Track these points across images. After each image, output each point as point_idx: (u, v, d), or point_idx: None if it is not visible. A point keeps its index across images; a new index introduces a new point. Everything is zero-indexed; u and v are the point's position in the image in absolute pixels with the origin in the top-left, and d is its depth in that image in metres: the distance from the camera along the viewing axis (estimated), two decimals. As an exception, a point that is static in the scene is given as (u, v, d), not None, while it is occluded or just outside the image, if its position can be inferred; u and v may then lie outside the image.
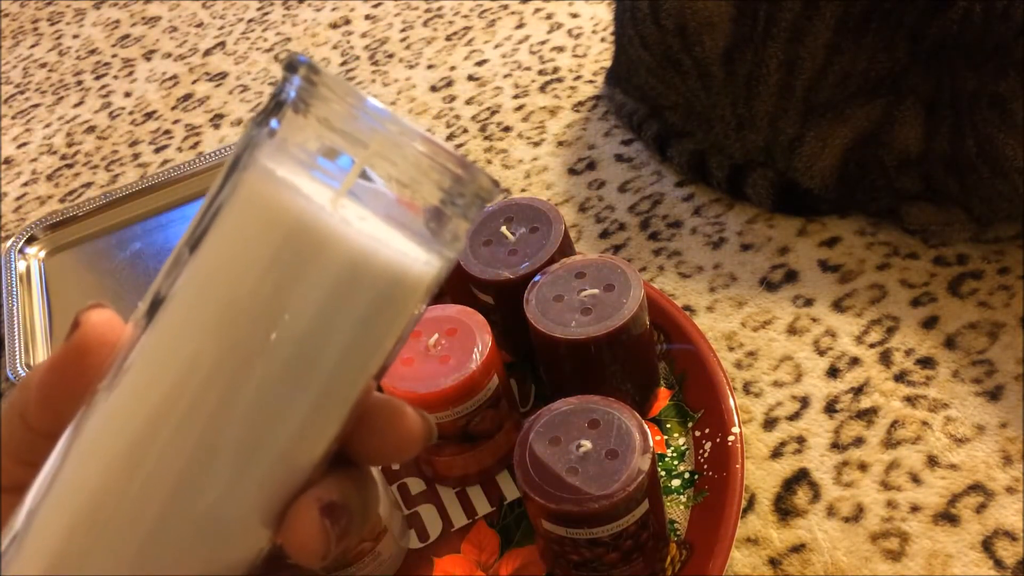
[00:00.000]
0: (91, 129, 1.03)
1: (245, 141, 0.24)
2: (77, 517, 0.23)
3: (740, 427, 0.52)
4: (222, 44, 1.13)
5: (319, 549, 0.23)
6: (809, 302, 0.63)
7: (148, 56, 1.15)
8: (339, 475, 0.25)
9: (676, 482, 0.53)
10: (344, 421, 0.25)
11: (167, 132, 0.99)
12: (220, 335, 0.23)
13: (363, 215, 0.23)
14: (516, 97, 0.89)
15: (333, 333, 0.23)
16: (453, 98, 0.92)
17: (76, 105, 1.08)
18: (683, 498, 0.52)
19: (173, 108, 1.03)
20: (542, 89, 0.89)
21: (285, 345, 0.23)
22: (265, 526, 0.24)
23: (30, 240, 0.85)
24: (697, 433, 0.55)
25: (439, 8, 1.07)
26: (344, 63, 1.02)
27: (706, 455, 0.53)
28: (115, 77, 1.12)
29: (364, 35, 1.06)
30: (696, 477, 0.53)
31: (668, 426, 0.56)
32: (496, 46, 0.97)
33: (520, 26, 0.99)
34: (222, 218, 0.23)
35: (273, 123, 0.23)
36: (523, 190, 0.79)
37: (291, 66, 0.23)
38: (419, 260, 0.24)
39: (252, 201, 0.23)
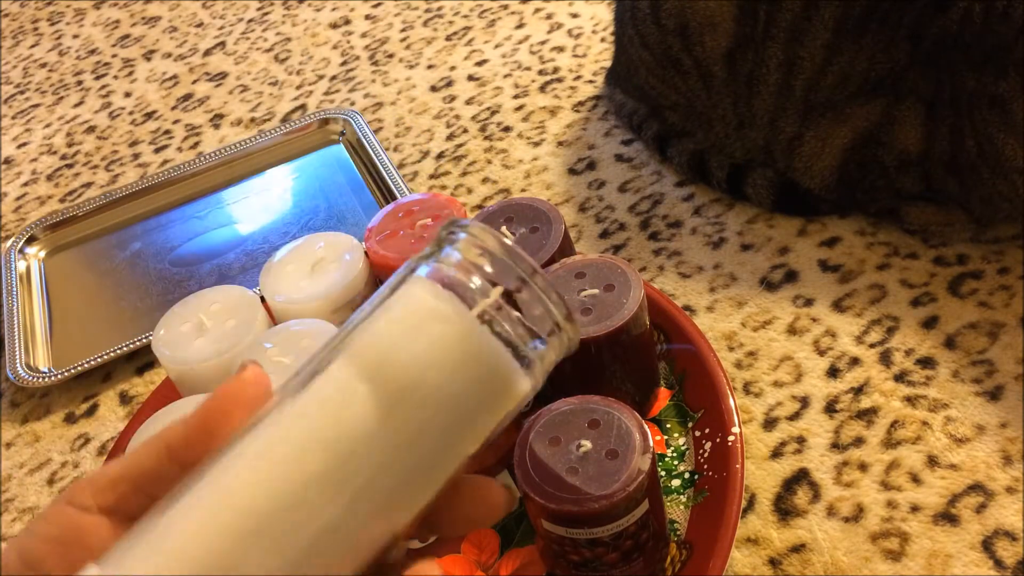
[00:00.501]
0: (91, 129, 1.03)
1: (410, 268, 0.30)
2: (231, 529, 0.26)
3: (740, 427, 0.52)
4: (222, 44, 1.13)
5: None
6: (809, 302, 0.63)
7: (148, 56, 1.15)
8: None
9: (676, 482, 0.53)
10: (441, 488, 0.29)
11: (167, 132, 0.99)
12: (382, 422, 0.28)
13: (502, 333, 0.29)
14: (516, 97, 0.89)
15: (470, 417, 0.29)
16: (453, 98, 0.92)
17: (76, 105, 1.08)
18: (683, 498, 0.52)
19: (173, 108, 1.03)
20: (542, 89, 0.89)
21: (434, 435, 0.28)
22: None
23: (30, 240, 0.85)
24: (697, 433, 0.55)
25: (439, 8, 1.07)
26: (344, 63, 1.02)
27: (706, 455, 0.53)
28: (115, 77, 1.12)
29: (364, 35, 1.06)
30: (696, 477, 0.53)
31: (668, 426, 0.56)
32: (496, 46, 0.97)
33: (520, 26, 0.99)
34: (412, 318, 0.29)
35: (433, 261, 0.30)
36: (523, 190, 0.79)
37: (451, 227, 0.30)
38: (526, 379, 0.30)
39: (420, 305, 0.29)
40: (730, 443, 0.52)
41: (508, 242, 0.29)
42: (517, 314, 0.29)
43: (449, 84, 0.94)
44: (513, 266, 0.29)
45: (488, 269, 0.29)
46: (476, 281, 0.29)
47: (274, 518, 0.26)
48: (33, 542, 0.29)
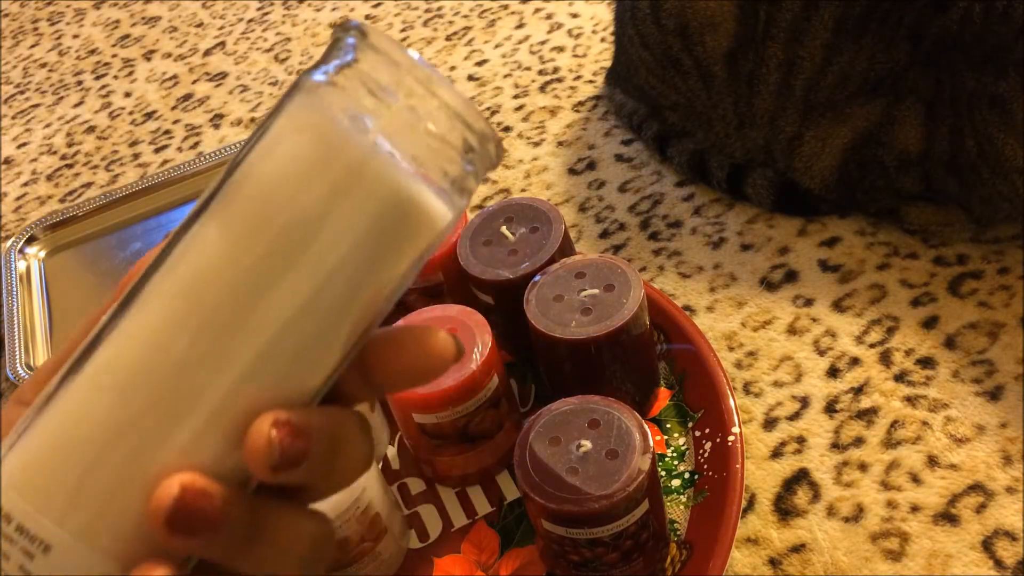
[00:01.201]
0: (91, 129, 1.03)
1: (298, 81, 0.26)
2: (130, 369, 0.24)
3: (740, 427, 0.52)
4: (222, 44, 1.13)
5: (261, 458, 0.24)
6: (809, 302, 0.63)
7: (148, 56, 1.15)
8: (320, 409, 0.26)
9: (676, 482, 0.53)
10: (350, 342, 0.26)
11: (167, 132, 0.99)
12: (263, 235, 0.24)
13: (399, 153, 0.25)
14: (516, 97, 0.89)
15: (358, 248, 0.25)
16: (453, 98, 0.92)
17: (76, 105, 1.08)
18: (683, 498, 0.52)
19: (173, 108, 1.03)
20: (542, 89, 0.89)
21: (319, 251, 0.24)
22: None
23: (30, 240, 0.85)
24: (697, 433, 0.55)
25: (439, 8, 1.07)
26: (344, 63, 1.02)
27: (706, 455, 0.53)
28: (115, 77, 1.12)
29: (364, 35, 1.06)
30: (696, 477, 0.53)
31: (668, 426, 0.56)
32: (496, 46, 0.97)
33: (520, 26, 0.99)
34: (272, 136, 0.25)
35: (324, 69, 0.26)
36: (523, 190, 0.79)
37: (343, 28, 0.26)
38: (439, 203, 0.26)
39: (305, 122, 0.25)
40: (730, 443, 0.52)
41: (406, 51, 0.26)
42: (426, 126, 0.25)
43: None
44: (409, 70, 0.25)
45: (380, 78, 0.25)
46: (368, 95, 0.25)
47: (144, 380, 0.24)
48: None
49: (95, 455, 0.24)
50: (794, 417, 0.56)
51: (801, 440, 0.55)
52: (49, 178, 0.97)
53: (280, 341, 0.25)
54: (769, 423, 0.56)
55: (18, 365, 0.72)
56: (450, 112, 0.26)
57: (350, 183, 0.24)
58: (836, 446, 0.54)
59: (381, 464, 0.58)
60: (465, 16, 1.04)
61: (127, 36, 1.20)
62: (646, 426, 0.46)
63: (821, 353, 0.59)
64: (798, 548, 0.50)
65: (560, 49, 0.94)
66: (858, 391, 0.57)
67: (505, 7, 1.03)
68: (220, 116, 0.99)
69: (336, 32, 0.26)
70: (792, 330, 0.61)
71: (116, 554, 0.24)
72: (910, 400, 0.56)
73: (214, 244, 0.25)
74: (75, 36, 1.24)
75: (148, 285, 0.25)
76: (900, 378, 0.57)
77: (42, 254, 0.85)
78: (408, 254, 0.26)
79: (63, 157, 1.00)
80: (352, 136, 0.25)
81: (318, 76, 0.25)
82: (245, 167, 0.25)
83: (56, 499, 0.24)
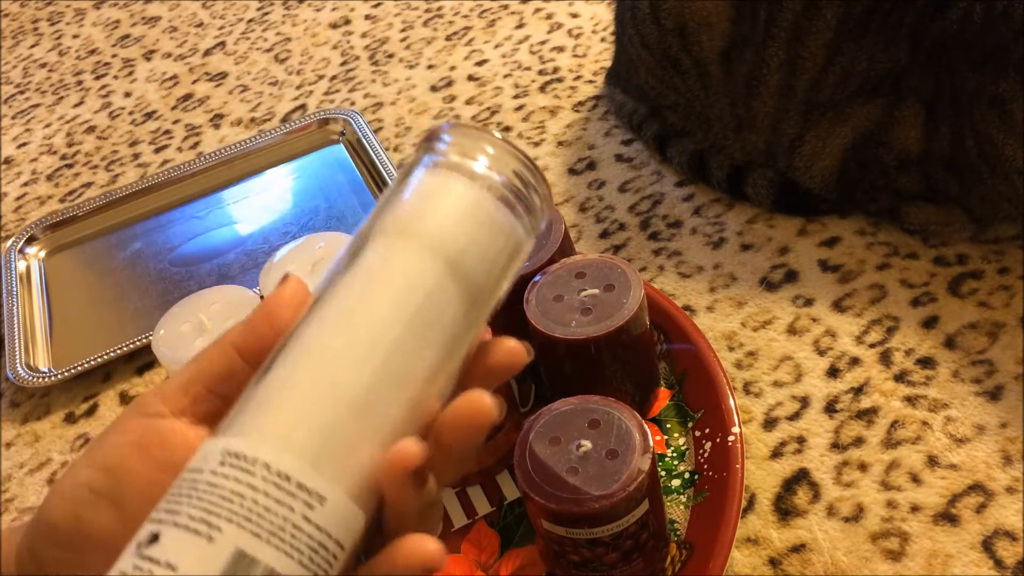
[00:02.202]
0: (91, 129, 1.03)
1: (408, 168, 0.34)
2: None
3: (740, 427, 0.52)
4: (222, 44, 1.13)
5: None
6: (809, 302, 0.63)
7: (148, 56, 1.15)
8: None
9: (676, 482, 0.53)
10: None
11: (167, 132, 0.99)
12: (432, 271, 0.31)
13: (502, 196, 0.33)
14: (516, 97, 0.89)
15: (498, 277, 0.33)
16: (453, 98, 0.92)
17: (76, 105, 1.08)
18: (683, 498, 0.52)
19: (173, 108, 1.03)
20: (542, 89, 0.89)
21: (473, 275, 0.32)
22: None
23: (30, 240, 0.85)
24: (697, 433, 0.55)
25: (439, 8, 1.07)
26: (344, 63, 1.02)
27: (706, 455, 0.53)
28: (115, 77, 1.12)
29: (364, 35, 1.06)
30: (696, 477, 0.53)
31: (668, 426, 0.56)
32: (496, 46, 0.97)
33: (520, 26, 0.99)
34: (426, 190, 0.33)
35: (433, 158, 0.33)
36: (523, 190, 0.79)
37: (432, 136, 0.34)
38: (524, 234, 0.34)
39: (446, 180, 0.33)
40: (730, 443, 0.52)
41: (493, 133, 0.34)
42: (508, 179, 0.33)
43: (449, 84, 0.94)
44: (488, 145, 0.33)
45: (481, 152, 0.33)
46: (471, 162, 0.33)
47: (363, 364, 0.30)
48: (110, 450, 0.30)
49: (346, 424, 0.29)
50: (794, 417, 0.56)
51: (801, 440, 0.55)
52: (49, 178, 0.97)
53: (451, 355, 0.32)
54: (769, 423, 0.56)
55: (18, 365, 0.72)
56: (518, 159, 0.33)
57: (490, 225, 0.32)
58: (836, 446, 0.54)
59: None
60: (465, 16, 1.04)
61: (127, 36, 1.20)
62: (646, 426, 0.46)
63: (821, 353, 0.59)
64: (798, 548, 0.50)
65: (560, 49, 0.94)
66: (858, 391, 0.57)
67: (505, 7, 1.03)
68: (220, 116, 1.00)
69: (432, 132, 0.34)
70: (792, 330, 0.61)
71: (363, 505, 0.29)
72: (910, 400, 0.56)
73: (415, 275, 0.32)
74: (75, 36, 1.24)
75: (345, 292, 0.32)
76: (900, 378, 0.57)
77: (42, 254, 0.85)
78: (514, 268, 0.34)
79: (63, 157, 1.00)
80: (491, 198, 0.32)
81: (433, 157, 0.33)
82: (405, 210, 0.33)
83: (325, 459, 0.28)
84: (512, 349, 0.33)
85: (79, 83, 1.13)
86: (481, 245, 0.32)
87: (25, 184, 0.97)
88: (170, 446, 0.30)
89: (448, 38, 1.01)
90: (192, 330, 0.58)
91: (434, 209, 0.32)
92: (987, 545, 0.48)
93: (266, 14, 1.16)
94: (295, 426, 0.28)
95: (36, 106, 1.10)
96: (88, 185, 0.95)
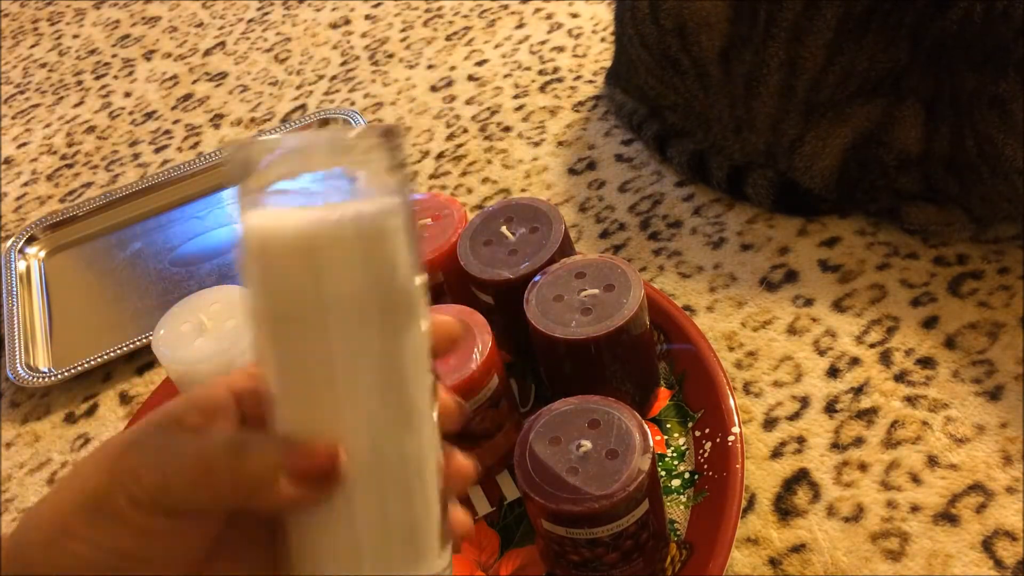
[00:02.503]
0: (91, 129, 1.03)
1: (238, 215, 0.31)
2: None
3: (740, 427, 0.52)
4: (222, 44, 1.13)
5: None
6: (809, 302, 0.63)
7: (148, 56, 1.15)
8: None
9: (676, 482, 0.53)
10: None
11: (167, 132, 0.99)
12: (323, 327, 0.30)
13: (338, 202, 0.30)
14: (516, 97, 0.89)
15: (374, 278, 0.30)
16: (453, 98, 0.92)
17: (76, 105, 1.08)
18: (683, 498, 0.52)
19: (173, 108, 1.03)
20: (542, 89, 0.89)
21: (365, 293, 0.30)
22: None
23: (30, 240, 0.85)
24: (697, 433, 0.55)
25: (439, 8, 1.07)
26: (344, 63, 1.02)
27: (706, 455, 0.53)
28: (115, 77, 1.12)
29: (364, 35, 1.06)
30: (696, 477, 0.53)
31: (668, 426, 0.56)
32: (496, 46, 0.97)
33: (520, 26, 0.99)
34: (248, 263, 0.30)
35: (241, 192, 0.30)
36: (523, 190, 0.79)
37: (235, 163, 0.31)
38: (380, 208, 0.30)
39: (257, 239, 0.30)
40: (730, 443, 0.52)
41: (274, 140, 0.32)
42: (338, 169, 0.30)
43: (449, 84, 0.94)
44: (297, 148, 0.31)
45: (288, 170, 0.30)
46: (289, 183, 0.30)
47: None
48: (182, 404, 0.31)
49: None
50: (794, 417, 0.56)
51: (801, 440, 0.55)
52: (49, 178, 0.97)
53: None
54: (769, 423, 0.56)
55: (18, 365, 0.72)
56: (326, 148, 0.31)
57: (354, 245, 0.30)
58: (836, 446, 0.54)
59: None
60: (465, 16, 1.04)
61: (127, 36, 1.20)
62: (646, 426, 0.46)
63: (821, 353, 0.59)
64: (798, 548, 0.50)
65: (560, 49, 0.94)
66: (858, 391, 0.57)
67: (505, 7, 1.03)
68: (220, 116, 0.99)
69: (229, 161, 0.31)
70: (792, 330, 0.61)
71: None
72: (910, 400, 0.56)
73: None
74: (75, 36, 1.24)
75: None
76: (900, 378, 0.57)
77: (42, 254, 0.85)
78: (397, 250, 0.30)
79: (63, 157, 1.00)
80: (283, 220, 0.30)
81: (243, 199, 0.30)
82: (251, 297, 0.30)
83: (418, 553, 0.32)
84: (460, 470, 0.34)
85: (79, 83, 1.13)
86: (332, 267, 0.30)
87: (25, 184, 0.97)
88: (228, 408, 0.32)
89: (448, 38, 1.01)
90: (192, 330, 0.58)
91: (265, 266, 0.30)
92: (987, 545, 0.48)
93: (266, 14, 1.16)
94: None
95: (36, 106, 1.10)
96: (88, 185, 0.95)
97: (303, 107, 0.97)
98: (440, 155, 0.85)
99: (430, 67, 0.97)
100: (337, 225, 0.29)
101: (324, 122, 0.91)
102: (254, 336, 0.31)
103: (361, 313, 0.30)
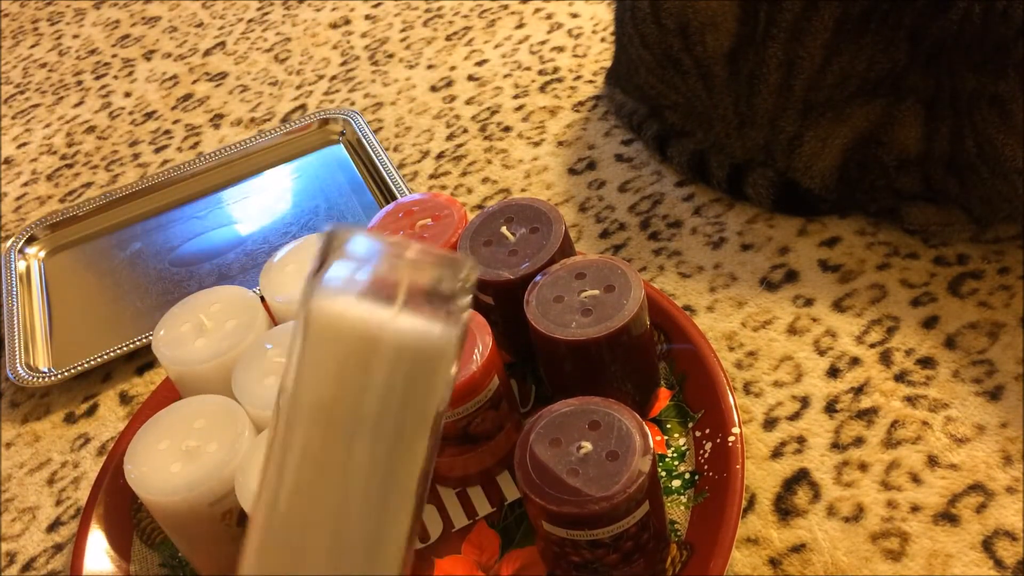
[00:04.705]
0: (91, 129, 1.03)
1: (306, 291, 0.32)
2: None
3: (740, 427, 0.53)
4: (222, 44, 1.13)
5: None
6: (809, 302, 0.63)
7: (148, 56, 1.15)
8: None
9: (676, 482, 0.53)
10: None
11: (167, 132, 0.99)
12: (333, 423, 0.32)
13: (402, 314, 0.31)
14: (516, 97, 0.89)
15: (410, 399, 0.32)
16: (453, 98, 0.92)
17: (76, 105, 1.08)
18: (683, 498, 0.52)
19: (173, 108, 1.03)
20: (542, 89, 0.89)
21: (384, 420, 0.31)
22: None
23: (30, 240, 0.85)
24: (697, 433, 0.55)
25: (439, 8, 1.07)
26: (344, 63, 1.02)
27: (706, 455, 0.53)
28: (115, 77, 1.12)
29: (364, 35, 1.06)
30: (696, 477, 0.53)
31: (668, 426, 0.56)
32: (496, 46, 0.97)
33: (520, 26, 0.99)
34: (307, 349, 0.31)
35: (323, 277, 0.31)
36: (523, 190, 0.79)
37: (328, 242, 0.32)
38: (442, 334, 0.31)
39: (325, 326, 0.31)
40: (730, 443, 0.52)
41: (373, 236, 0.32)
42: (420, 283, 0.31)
43: (449, 84, 0.94)
44: (389, 254, 0.32)
45: (373, 266, 0.31)
46: (371, 284, 0.31)
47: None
48: None
49: None
50: (794, 417, 0.56)
51: (801, 440, 0.55)
52: (49, 178, 0.97)
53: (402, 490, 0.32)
54: (769, 423, 0.56)
55: (18, 365, 0.72)
56: (423, 263, 0.32)
57: (403, 361, 0.31)
58: (836, 446, 0.54)
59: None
60: (465, 16, 1.04)
61: (127, 36, 1.20)
62: (646, 427, 0.46)
63: (821, 353, 0.60)
64: (798, 548, 0.50)
65: (560, 49, 0.94)
66: (858, 391, 0.57)
67: (505, 7, 1.03)
68: (220, 116, 0.99)
69: (323, 242, 0.32)
70: (792, 330, 0.61)
71: None
72: (910, 400, 0.56)
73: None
74: (75, 36, 1.24)
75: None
76: (900, 378, 0.57)
77: (42, 254, 0.85)
78: (441, 379, 0.32)
79: (63, 157, 1.00)
80: (364, 319, 0.31)
81: (320, 280, 0.31)
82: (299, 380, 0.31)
83: None
84: None
85: (79, 83, 1.13)
86: (403, 386, 0.31)
87: (25, 184, 0.97)
88: None
89: (448, 38, 1.01)
90: (192, 330, 0.58)
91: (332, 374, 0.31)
92: (987, 545, 0.48)
93: (266, 14, 1.16)
94: None
95: (36, 106, 1.10)
96: (88, 185, 0.95)
97: (303, 107, 0.97)
98: (440, 155, 0.85)
99: (430, 67, 0.97)
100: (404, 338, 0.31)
101: (324, 122, 0.91)
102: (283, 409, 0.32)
103: (384, 427, 0.31)
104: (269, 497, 0.31)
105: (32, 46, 1.24)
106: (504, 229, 0.59)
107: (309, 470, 0.31)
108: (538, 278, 0.55)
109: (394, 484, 0.32)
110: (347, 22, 1.10)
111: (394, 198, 0.79)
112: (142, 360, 0.73)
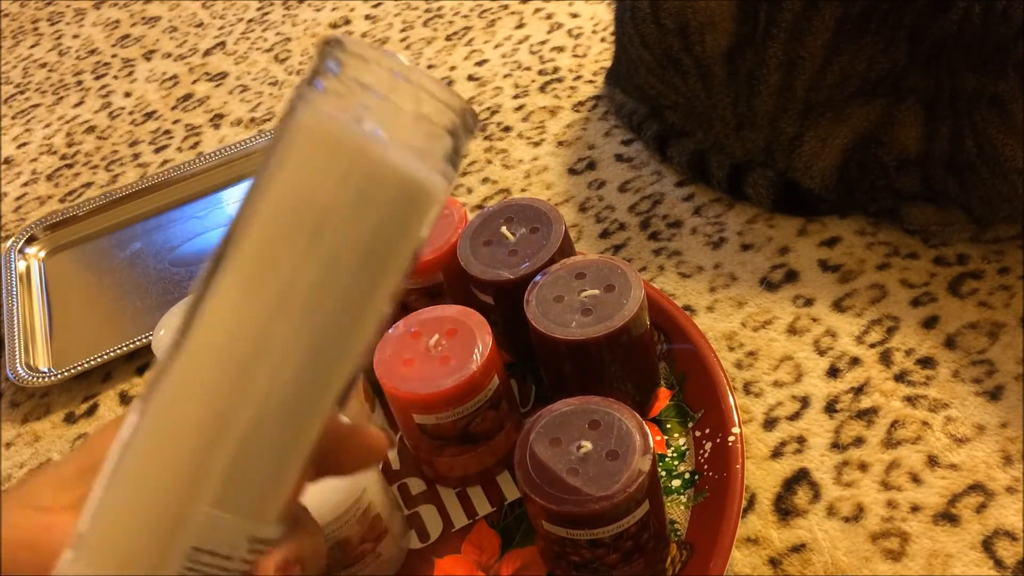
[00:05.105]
0: (91, 129, 1.03)
1: (296, 94, 0.29)
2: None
3: (740, 427, 0.53)
4: (222, 44, 1.13)
5: None
6: (809, 302, 0.63)
7: (148, 56, 1.15)
8: (294, 535, 0.31)
9: (676, 482, 0.53)
10: (379, 310, 0.29)
11: (167, 132, 0.99)
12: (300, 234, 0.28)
13: (395, 139, 0.28)
14: (516, 97, 0.89)
15: (380, 230, 0.28)
16: (453, 98, 0.92)
17: (76, 105, 1.08)
18: (683, 498, 0.52)
19: (173, 108, 1.03)
20: (542, 89, 0.89)
21: (347, 240, 0.28)
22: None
23: (30, 240, 0.85)
24: (697, 433, 0.55)
25: (439, 8, 1.07)
26: (344, 63, 1.02)
27: (706, 455, 0.53)
28: (115, 77, 1.12)
29: (364, 35, 1.06)
30: (696, 477, 0.53)
31: (668, 426, 0.56)
32: (496, 46, 0.97)
33: (520, 26, 0.99)
34: (285, 145, 0.28)
35: (318, 83, 0.28)
36: (523, 190, 0.79)
37: (327, 44, 0.29)
38: (436, 177, 0.29)
39: (311, 133, 0.28)
40: (730, 443, 0.52)
41: (380, 50, 0.29)
42: (414, 111, 0.29)
43: (449, 84, 0.94)
44: (391, 69, 0.29)
45: (369, 81, 0.28)
46: (361, 96, 0.28)
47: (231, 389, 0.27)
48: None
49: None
50: (794, 417, 0.56)
51: (801, 440, 0.55)
52: (49, 178, 0.97)
53: (335, 319, 0.28)
54: (769, 423, 0.56)
55: (18, 365, 0.72)
56: (430, 95, 0.29)
57: (359, 173, 0.28)
58: (836, 446, 0.54)
59: (381, 465, 0.58)
60: (465, 16, 1.04)
61: (127, 36, 1.20)
62: (646, 427, 0.46)
63: (821, 353, 0.60)
64: (798, 548, 0.50)
65: (560, 49, 0.94)
66: (858, 391, 0.57)
67: (505, 7, 1.03)
68: (220, 116, 0.99)
69: (320, 48, 0.29)
70: (792, 330, 0.61)
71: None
72: (910, 400, 0.56)
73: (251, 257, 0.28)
74: (75, 36, 1.24)
75: (225, 260, 0.28)
76: (900, 378, 0.57)
77: (42, 254, 0.85)
78: (418, 226, 0.29)
79: (63, 157, 1.00)
80: (354, 131, 0.28)
81: (315, 87, 0.28)
82: (267, 178, 0.28)
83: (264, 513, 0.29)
84: (372, 445, 0.33)
85: (79, 83, 1.13)
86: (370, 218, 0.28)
87: (25, 184, 0.97)
88: (62, 545, 0.27)
89: (448, 38, 1.01)
90: (192, 330, 0.58)
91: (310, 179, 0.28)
92: (987, 545, 0.48)
93: (266, 14, 1.16)
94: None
95: (36, 106, 1.10)
96: (88, 185, 0.95)
97: (303, 107, 0.97)
98: (440, 155, 0.85)
99: (430, 67, 0.97)
100: (395, 171, 0.28)
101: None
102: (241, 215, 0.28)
103: (353, 251, 0.28)
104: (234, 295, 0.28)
105: (32, 46, 1.24)
106: (504, 229, 0.59)
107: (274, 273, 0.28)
108: (538, 278, 0.55)
109: (365, 296, 0.29)
110: (347, 22, 1.10)
111: (394, 198, 0.79)
112: (142, 360, 0.73)
